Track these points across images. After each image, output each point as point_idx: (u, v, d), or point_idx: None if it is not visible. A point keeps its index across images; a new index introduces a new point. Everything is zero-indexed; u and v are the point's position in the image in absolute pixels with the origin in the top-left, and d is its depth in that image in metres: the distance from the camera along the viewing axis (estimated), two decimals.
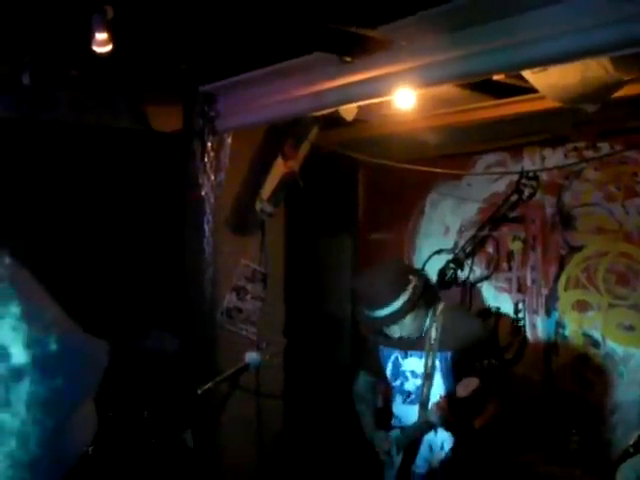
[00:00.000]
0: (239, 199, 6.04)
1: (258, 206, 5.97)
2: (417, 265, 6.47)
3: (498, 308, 5.95)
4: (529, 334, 5.77)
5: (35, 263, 1.03)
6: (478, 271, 6.10)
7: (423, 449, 4.42)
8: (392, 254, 6.60)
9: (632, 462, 3.94)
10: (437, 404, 4.17)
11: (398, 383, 4.59)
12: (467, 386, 4.07)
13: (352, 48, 4.30)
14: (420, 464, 4.42)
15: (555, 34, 3.48)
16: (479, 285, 6.10)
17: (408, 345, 4.49)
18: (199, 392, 4.11)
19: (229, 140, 5.60)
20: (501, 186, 5.96)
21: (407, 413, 4.52)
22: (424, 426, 4.33)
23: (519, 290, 5.86)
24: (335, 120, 5.28)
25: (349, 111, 5.03)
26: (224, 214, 5.93)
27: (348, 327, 7.08)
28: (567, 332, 5.56)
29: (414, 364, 4.50)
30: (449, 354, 4.36)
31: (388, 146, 6.15)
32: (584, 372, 5.43)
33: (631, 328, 5.21)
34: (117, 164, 5.69)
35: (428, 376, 4.37)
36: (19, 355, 0.89)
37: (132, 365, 4.75)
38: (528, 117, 5.17)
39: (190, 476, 4.45)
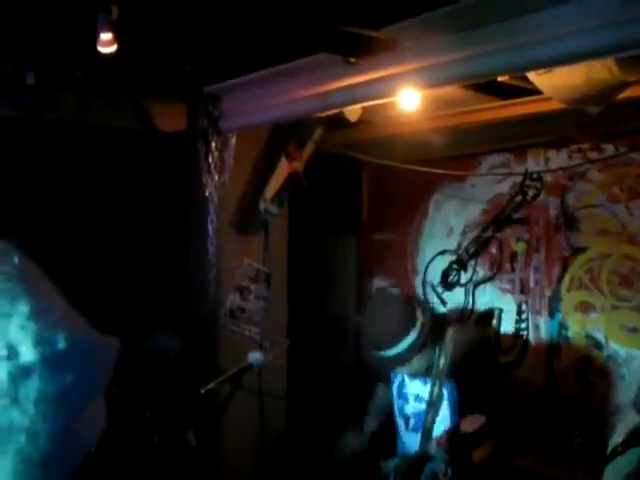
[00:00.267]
0: (243, 199, 6.03)
1: (262, 206, 5.97)
2: (421, 266, 6.48)
3: (501, 309, 5.95)
4: (532, 335, 5.77)
5: (39, 262, 1.04)
6: (481, 272, 6.10)
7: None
8: (396, 255, 6.61)
9: (619, 461, 3.93)
10: (438, 439, 4.12)
11: (400, 404, 4.57)
12: (473, 422, 4.04)
13: (357, 49, 4.30)
14: None
15: (560, 35, 3.48)
16: (482, 286, 6.10)
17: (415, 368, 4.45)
18: (202, 392, 4.11)
19: (233, 140, 5.61)
20: (505, 187, 5.96)
21: (411, 441, 4.46)
22: (425, 458, 4.20)
23: (522, 291, 5.86)
24: (339, 121, 5.28)
25: (353, 112, 5.03)
26: (228, 214, 5.93)
27: (352, 328, 7.08)
28: (570, 333, 5.55)
29: (418, 388, 4.46)
30: (457, 382, 4.26)
31: (392, 147, 6.15)
32: (587, 374, 5.42)
33: (634, 330, 5.20)
34: (121, 164, 5.70)
35: (433, 404, 4.22)
36: (28, 353, 0.90)
37: (135, 364, 4.75)
38: (532, 118, 5.16)
39: (192, 476, 4.44)
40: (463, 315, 6.12)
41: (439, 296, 6.36)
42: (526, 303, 5.82)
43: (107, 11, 3.91)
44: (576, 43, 3.46)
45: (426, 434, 4.23)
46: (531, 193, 5.76)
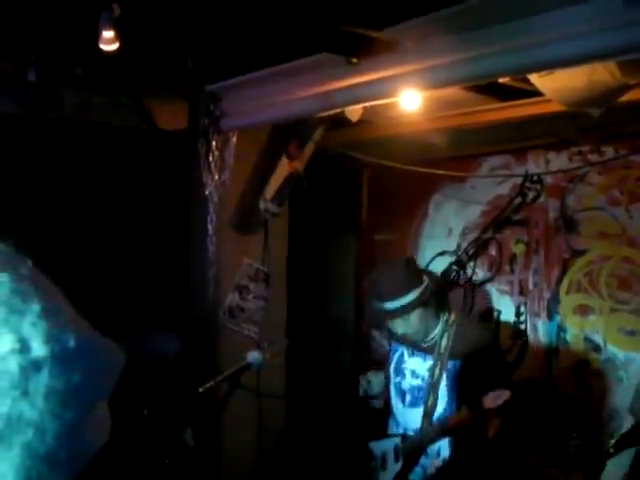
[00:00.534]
0: (243, 198, 6.04)
1: (262, 206, 5.97)
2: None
3: (500, 311, 5.96)
4: (530, 337, 5.77)
5: (38, 260, 1.06)
6: (480, 273, 6.11)
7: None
8: (395, 255, 6.61)
9: (612, 464, 3.95)
10: (459, 415, 4.16)
11: (397, 380, 4.63)
12: (498, 397, 4.02)
13: (358, 49, 4.31)
14: (415, 470, 4.41)
15: (562, 38, 3.48)
16: (481, 287, 6.10)
17: (417, 345, 4.52)
18: (200, 391, 4.12)
19: (234, 139, 5.61)
20: (505, 189, 5.96)
21: (406, 417, 4.53)
22: (434, 437, 4.31)
23: (521, 293, 5.86)
24: (340, 121, 5.28)
25: (354, 112, 5.04)
26: (227, 213, 5.94)
27: (350, 327, 7.09)
28: (568, 336, 5.55)
29: (417, 364, 4.53)
30: (458, 364, 4.34)
31: (392, 147, 6.15)
32: (585, 376, 5.43)
33: (632, 333, 5.20)
34: (122, 162, 5.70)
35: (434, 385, 4.34)
36: (38, 349, 0.93)
37: (133, 364, 4.76)
38: (533, 120, 5.16)
39: (190, 475, 4.45)
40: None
41: None
42: (525, 305, 5.83)
43: (109, 9, 3.92)
44: (578, 45, 3.46)
45: (427, 414, 4.33)
46: (531, 195, 5.76)
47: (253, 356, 4.31)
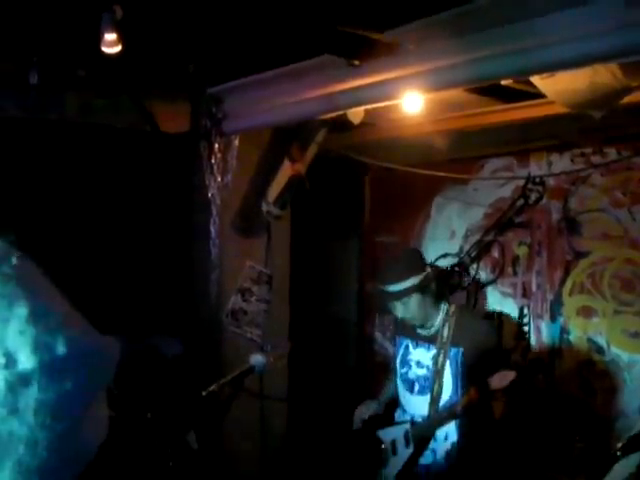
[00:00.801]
0: (245, 201, 6.03)
1: (264, 208, 5.96)
2: None
3: (502, 313, 5.95)
4: (533, 339, 5.77)
5: (41, 262, 1.03)
6: (483, 275, 6.10)
7: None
8: None
9: (619, 465, 3.93)
10: (468, 395, 4.29)
11: (404, 371, 4.78)
12: (503, 378, 4.17)
13: (360, 51, 4.31)
14: (426, 454, 4.56)
15: (564, 40, 3.47)
16: (484, 289, 6.09)
17: (420, 337, 4.68)
18: (203, 394, 4.11)
19: (236, 142, 5.61)
20: (507, 191, 5.96)
21: (414, 405, 4.67)
22: (443, 421, 4.46)
23: (524, 295, 5.86)
24: (342, 123, 5.28)
25: (356, 114, 5.03)
26: (230, 216, 5.93)
27: (353, 329, 7.08)
28: (572, 338, 5.55)
29: (421, 355, 4.68)
30: (460, 351, 4.51)
31: (395, 150, 6.15)
32: (588, 378, 5.42)
33: (636, 335, 5.20)
34: (124, 164, 5.69)
35: (439, 372, 4.52)
36: (26, 361, 0.88)
37: (136, 366, 4.75)
38: (535, 122, 5.16)
39: (194, 478, 4.44)
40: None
41: None
42: (528, 307, 5.82)
43: (111, 11, 3.92)
44: (580, 47, 3.46)
45: (434, 401, 4.51)
46: (533, 197, 5.75)
47: (256, 359, 4.30)
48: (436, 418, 4.50)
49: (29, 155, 5.27)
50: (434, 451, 4.55)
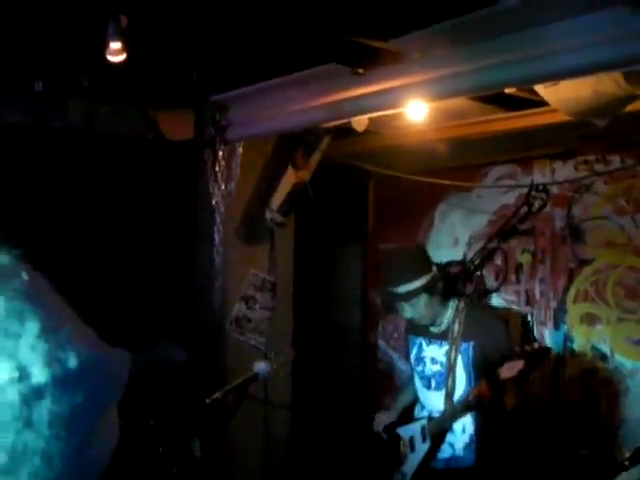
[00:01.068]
0: (249, 208, 6.03)
1: (268, 215, 5.96)
2: None
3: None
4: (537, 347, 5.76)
5: (45, 271, 1.03)
6: (487, 283, 6.10)
7: None
8: None
9: (626, 475, 3.93)
10: (478, 387, 4.38)
11: (420, 368, 4.86)
12: (512, 368, 4.24)
13: (364, 60, 4.32)
14: (443, 447, 4.66)
15: (569, 48, 3.48)
16: (488, 297, 6.09)
17: (432, 334, 4.76)
18: (207, 402, 4.11)
19: (240, 149, 5.61)
20: (511, 198, 5.96)
21: (431, 401, 4.77)
22: (457, 414, 4.56)
23: (527, 303, 5.86)
24: (346, 131, 5.28)
25: (360, 122, 5.04)
26: (234, 223, 5.94)
27: (357, 336, 7.08)
28: (575, 345, 5.55)
29: (434, 351, 4.76)
30: (471, 345, 4.60)
31: (398, 157, 6.16)
32: (592, 385, 5.42)
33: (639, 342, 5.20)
34: (128, 172, 5.70)
35: (451, 367, 4.61)
36: (39, 374, 0.88)
37: (140, 373, 4.75)
38: (539, 130, 5.16)
39: None
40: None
41: None
42: (531, 315, 5.82)
43: (116, 19, 3.93)
44: (585, 56, 3.47)
45: (449, 395, 4.62)
46: (537, 204, 5.75)
47: (260, 367, 4.31)
48: (450, 412, 4.59)
49: (34, 162, 5.28)
50: (452, 445, 4.64)
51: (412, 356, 4.92)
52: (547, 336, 5.71)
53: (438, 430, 4.63)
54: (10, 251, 0.98)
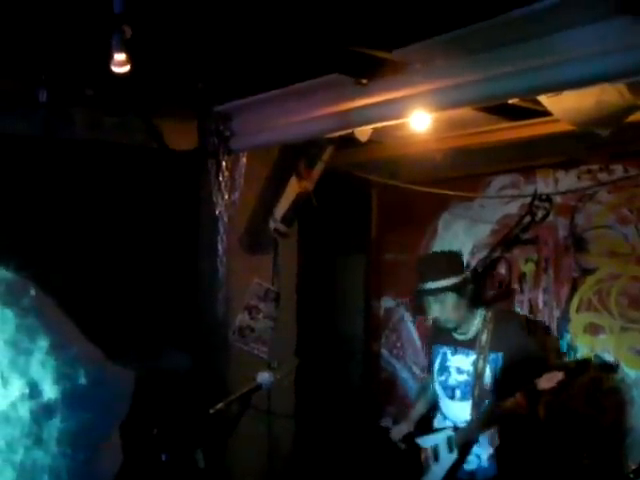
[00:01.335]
0: (253, 218, 6.05)
1: (271, 225, 5.98)
2: None
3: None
4: None
5: (47, 280, 1.03)
6: (490, 292, 6.09)
7: None
8: (405, 274, 6.60)
9: None
10: (515, 400, 4.31)
11: (443, 378, 4.84)
12: (552, 379, 4.21)
13: (367, 70, 4.33)
14: (470, 459, 4.63)
15: (573, 59, 3.49)
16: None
17: (458, 342, 4.76)
18: (211, 412, 4.11)
19: (244, 159, 5.63)
20: (514, 208, 5.95)
21: (455, 411, 4.74)
22: (487, 424, 4.53)
23: (531, 312, 5.85)
24: (349, 141, 5.29)
25: (363, 132, 5.05)
26: (237, 233, 5.94)
27: (360, 346, 7.07)
28: (579, 355, 5.54)
29: (461, 361, 4.75)
30: (500, 356, 4.58)
31: (402, 167, 6.17)
32: (596, 395, 5.40)
33: None
34: (132, 182, 5.71)
35: (479, 377, 4.60)
36: (49, 391, 0.89)
37: (144, 383, 4.75)
38: (542, 139, 5.17)
39: None
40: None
41: None
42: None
43: (120, 31, 3.94)
44: (589, 67, 3.47)
45: (476, 405, 4.59)
46: (540, 214, 5.73)
47: (263, 377, 4.30)
48: (479, 423, 4.57)
49: (38, 173, 5.29)
50: (479, 456, 4.61)
51: (435, 366, 4.91)
52: None
53: (465, 440, 4.61)
54: (18, 267, 0.99)
